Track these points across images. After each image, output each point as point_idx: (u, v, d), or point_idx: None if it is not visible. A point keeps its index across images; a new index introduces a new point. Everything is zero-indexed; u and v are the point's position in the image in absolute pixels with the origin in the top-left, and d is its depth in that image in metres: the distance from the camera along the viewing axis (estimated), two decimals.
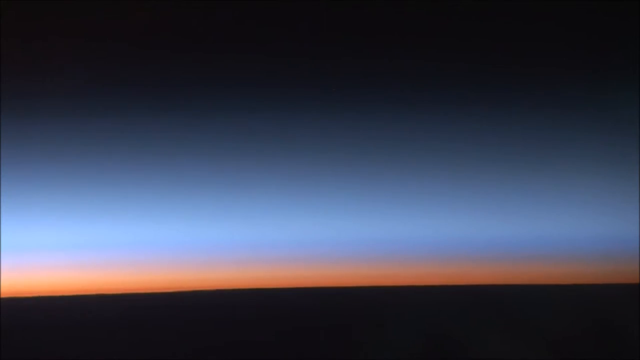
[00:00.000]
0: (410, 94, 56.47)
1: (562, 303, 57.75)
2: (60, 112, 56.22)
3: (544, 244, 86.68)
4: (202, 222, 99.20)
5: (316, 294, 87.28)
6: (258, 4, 36.74)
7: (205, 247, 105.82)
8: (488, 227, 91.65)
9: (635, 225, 49.44)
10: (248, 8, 37.57)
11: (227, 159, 74.81)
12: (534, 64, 48.67)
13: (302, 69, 52.23)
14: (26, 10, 33.84)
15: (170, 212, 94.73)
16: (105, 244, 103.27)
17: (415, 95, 56.56)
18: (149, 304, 77.27)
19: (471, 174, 75.39)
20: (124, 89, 54.11)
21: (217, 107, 61.33)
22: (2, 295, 73.60)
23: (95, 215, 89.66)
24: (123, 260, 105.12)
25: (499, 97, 55.82)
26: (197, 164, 75.86)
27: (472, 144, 68.77)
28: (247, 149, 71.69)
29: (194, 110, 60.86)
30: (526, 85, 53.05)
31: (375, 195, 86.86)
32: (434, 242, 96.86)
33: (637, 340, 29.07)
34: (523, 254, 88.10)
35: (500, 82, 52.84)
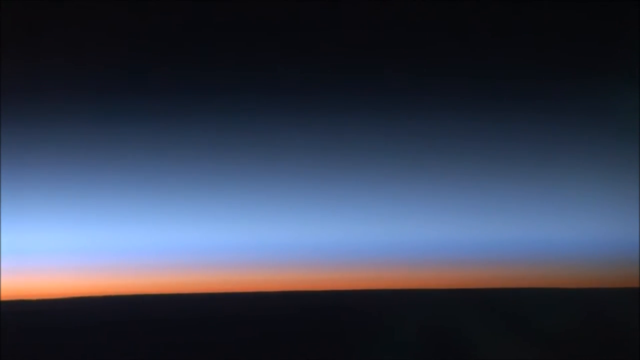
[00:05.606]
0: (415, 99, 56.58)
1: (562, 306, 57.86)
2: (62, 117, 56.31)
3: (545, 247, 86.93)
4: (202, 227, 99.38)
5: (317, 297, 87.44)
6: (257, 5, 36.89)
7: (204, 252, 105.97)
8: (488, 231, 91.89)
9: (636, 230, 49.57)
10: (249, 11, 37.72)
11: (225, 164, 74.97)
12: (532, 67, 48.80)
13: (304, 75, 52.36)
14: (26, 12, 34.03)
15: (170, 217, 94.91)
16: (104, 248, 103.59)
17: (420, 100, 56.67)
18: (148, 305, 77.45)
19: (472, 178, 75.56)
20: (126, 94, 54.30)
21: (213, 112, 61.39)
22: (3, 298, 73.93)
23: (95, 219, 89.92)
24: (123, 263, 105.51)
25: (500, 103, 55.97)
26: (193, 169, 76.12)
27: (472, 149, 68.96)
28: (246, 153, 71.80)
29: (190, 117, 60.89)
30: (528, 89, 53.20)
31: (378, 200, 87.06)
32: (436, 246, 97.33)
33: (637, 344, 29.15)
34: (523, 257, 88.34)
35: (501, 86, 52.98)
